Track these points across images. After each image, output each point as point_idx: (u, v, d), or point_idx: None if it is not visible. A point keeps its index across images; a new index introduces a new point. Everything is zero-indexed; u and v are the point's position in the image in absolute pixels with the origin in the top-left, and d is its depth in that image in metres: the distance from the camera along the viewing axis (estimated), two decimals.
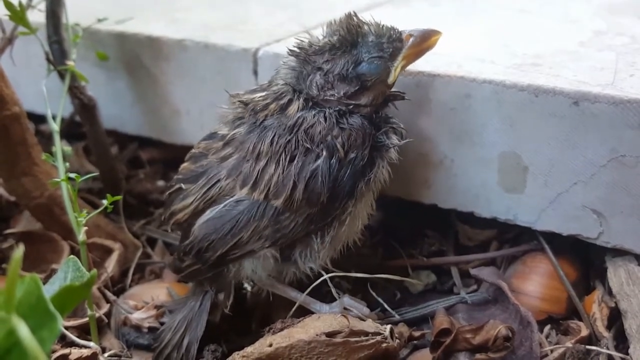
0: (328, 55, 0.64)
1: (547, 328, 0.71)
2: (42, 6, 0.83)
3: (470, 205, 0.76)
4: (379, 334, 0.63)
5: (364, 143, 0.64)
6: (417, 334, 0.69)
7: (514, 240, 0.81)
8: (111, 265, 0.82)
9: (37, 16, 0.82)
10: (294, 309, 0.69)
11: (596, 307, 0.70)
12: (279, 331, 0.64)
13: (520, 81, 0.67)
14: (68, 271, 0.46)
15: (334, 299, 0.69)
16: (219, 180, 0.65)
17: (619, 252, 0.71)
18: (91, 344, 0.67)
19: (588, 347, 0.66)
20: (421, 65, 0.69)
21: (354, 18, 0.65)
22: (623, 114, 0.63)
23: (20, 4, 0.76)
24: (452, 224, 0.85)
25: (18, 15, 0.76)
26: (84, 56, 0.93)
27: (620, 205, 0.67)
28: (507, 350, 0.64)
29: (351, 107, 0.65)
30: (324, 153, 0.63)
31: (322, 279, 0.69)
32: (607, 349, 0.66)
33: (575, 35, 0.82)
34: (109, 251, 0.84)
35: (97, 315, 0.72)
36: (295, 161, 0.63)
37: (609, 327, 0.68)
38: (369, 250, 0.83)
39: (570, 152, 0.67)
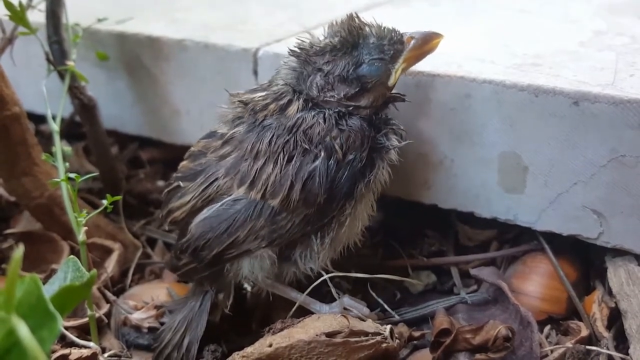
0: (329, 56, 0.64)
1: (547, 328, 0.71)
2: (42, 6, 0.83)
3: (470, 206, 0.76)
4: (379, 334, 0.63)
5: (363, 145, 0.64)
6: (417, 334, 0.69)
7: (514, 240, 0.81)
8: (111, 265, 0.82)
9: (37, 16, 0.82)
10: (293, 309, 0.68)
11: (596, 307, 0.70)
12: (279, 331, 0.64)
13: (520, 81, 0.67)
14: (68, 271, 0.46)
15: (334, 299, 0.69)
16: (217, 179, 0.65)
17: (619, 252, 0.71)
18: (91, 344, 0.67)
19: (588, 347, 0.66)
20: (421, 65, 0.69)
21: (356, 19, 0.65)
22: (623, 114, 0.63)
23: (20, 4, 0.76)
24: (452, 224, 0.85)
25: (18, 15, 0.76)
26: (84, 56, 0.93)
27: (620, 206, 0.67)
28: (507, 351, 0.64)
29: (351, 108, 0.65)
30: (322, 154, 0.62)
31: (322, 279, 0.69)
32: (607, 349, 0.66)
33: (575, 35, 0.82)
34: (108, 251, 0.84)
35: (97, 315, 0.72)
36: (293, 161, 0.63)
37: (609, 327, 0.68)
38: (369, 251, 0.83)
39: (570, 152, 0.67)
